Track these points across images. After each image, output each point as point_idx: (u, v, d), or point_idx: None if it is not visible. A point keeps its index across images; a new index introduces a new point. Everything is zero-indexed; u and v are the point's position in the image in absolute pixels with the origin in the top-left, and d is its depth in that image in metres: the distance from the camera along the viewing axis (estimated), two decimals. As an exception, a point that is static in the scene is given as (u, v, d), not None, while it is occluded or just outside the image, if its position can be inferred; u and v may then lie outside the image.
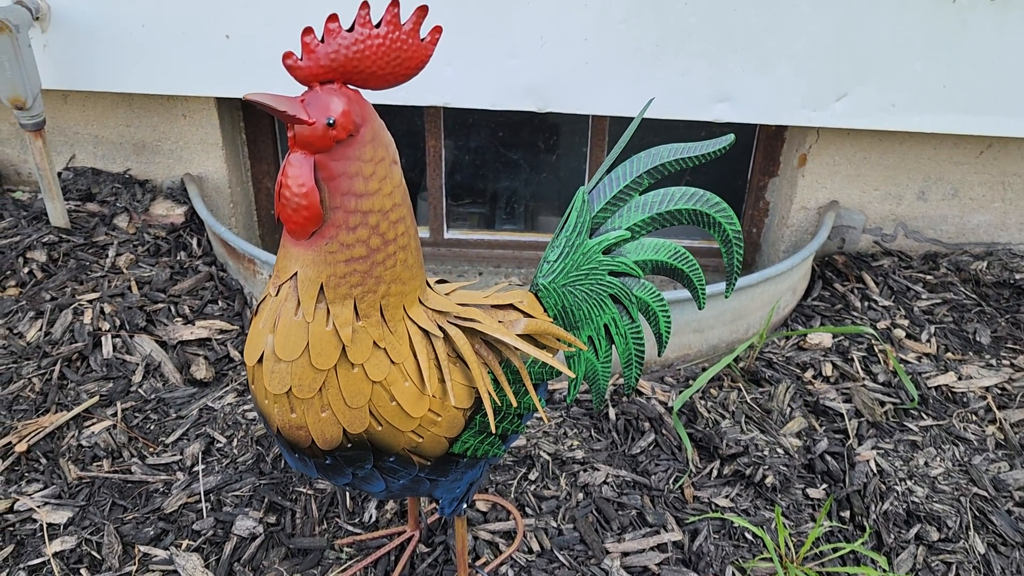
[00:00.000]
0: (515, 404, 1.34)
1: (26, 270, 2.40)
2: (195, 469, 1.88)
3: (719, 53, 2.46)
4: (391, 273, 1.15)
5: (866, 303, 2.63)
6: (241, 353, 2.24)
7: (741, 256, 1.51)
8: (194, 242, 2.64)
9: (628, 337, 1.53)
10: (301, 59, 1.02)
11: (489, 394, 1.27)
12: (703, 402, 2.18)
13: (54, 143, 2.81)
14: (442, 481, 1.37)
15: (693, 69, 2.49)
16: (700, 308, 1.57)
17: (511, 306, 1.39)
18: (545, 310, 1.44)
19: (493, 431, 1.27)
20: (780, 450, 2.03)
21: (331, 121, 1.03)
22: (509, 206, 3.35)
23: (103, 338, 2.20)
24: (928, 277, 2.76)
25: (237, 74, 2.51)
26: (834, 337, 2.45)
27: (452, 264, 3.21)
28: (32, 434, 1.92)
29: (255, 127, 2.97)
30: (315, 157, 1.06)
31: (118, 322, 2.26)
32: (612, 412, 2.11)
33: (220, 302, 2.43)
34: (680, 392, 2.18)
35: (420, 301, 1.23)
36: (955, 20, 2.39)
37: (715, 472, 1.97)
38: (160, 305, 2.35)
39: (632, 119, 1.45)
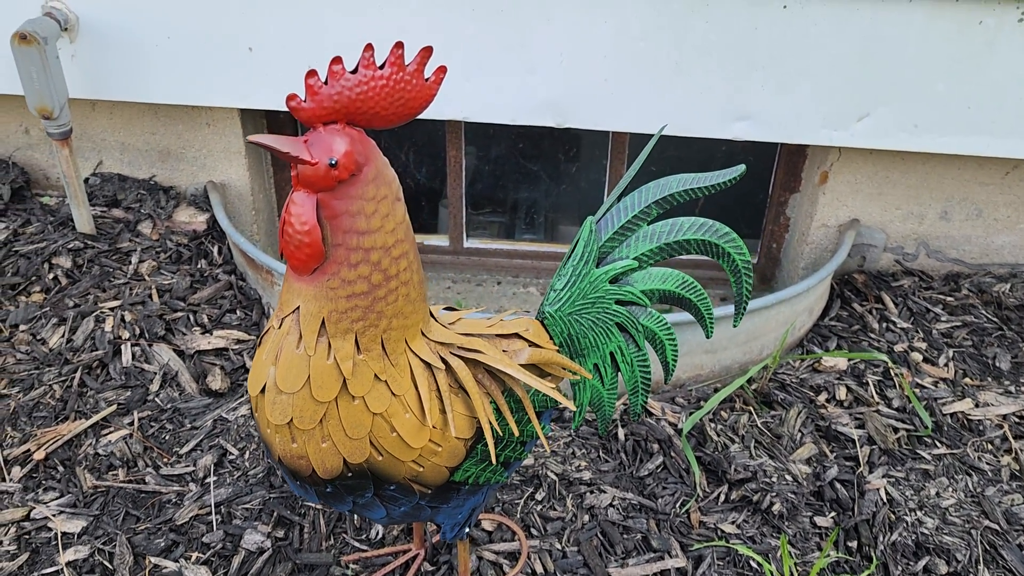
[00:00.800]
0: (517, 433, 1.35)
1: (51, 276, 2.46)
2: (207, 481, 1.91)
3: (739, 71, 2.45)
4: (392, 308, 1.16)
5: (884, 324, 2.60)
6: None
7: (751, 286, 1.50)
8: (215, 250, 2.68)
9: (634, 365, 1.54)
10: (305, 100, 1.04)
11: (490, 424, 1.28)
12: (713, 425, 2.17)
13: (82, 149, 2.86)
14: (443, 508, 1.38)
15: (713, 87, 2.48)
16: (708, 337, 1.57)
17: (516, 335, 1.40)
18: (551, 338, 1.44)
19: (494, 462, 1.28)
20: (789, 477, 2.02)
21: (334, 162, 1.04)
22: (529, 216, 3.36)
23: (123, 346, 2.24)
24: (949, 299, 2.72)
25: (259, 86, 2.54)
26: (850, 360, 2.43)
27: (471, 273, 3.22)
28: (50, 442, 1.97)
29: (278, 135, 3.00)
30: (318, 196, 1.07)
31: (138, 330, 2.30)
32: (621, 433, 2.11)
33: (238, 311, 2.47)
34: (690, 414, 2.18)
35: (423, 333, 1.25)
36: (981, 42, 2.36)
37: (722, 497, 1.97)
38: (179, 314, 2.39)
39: (651, 135, 1.45)
